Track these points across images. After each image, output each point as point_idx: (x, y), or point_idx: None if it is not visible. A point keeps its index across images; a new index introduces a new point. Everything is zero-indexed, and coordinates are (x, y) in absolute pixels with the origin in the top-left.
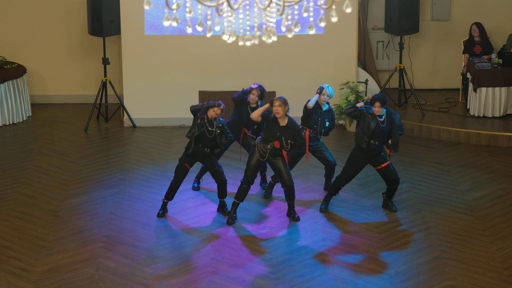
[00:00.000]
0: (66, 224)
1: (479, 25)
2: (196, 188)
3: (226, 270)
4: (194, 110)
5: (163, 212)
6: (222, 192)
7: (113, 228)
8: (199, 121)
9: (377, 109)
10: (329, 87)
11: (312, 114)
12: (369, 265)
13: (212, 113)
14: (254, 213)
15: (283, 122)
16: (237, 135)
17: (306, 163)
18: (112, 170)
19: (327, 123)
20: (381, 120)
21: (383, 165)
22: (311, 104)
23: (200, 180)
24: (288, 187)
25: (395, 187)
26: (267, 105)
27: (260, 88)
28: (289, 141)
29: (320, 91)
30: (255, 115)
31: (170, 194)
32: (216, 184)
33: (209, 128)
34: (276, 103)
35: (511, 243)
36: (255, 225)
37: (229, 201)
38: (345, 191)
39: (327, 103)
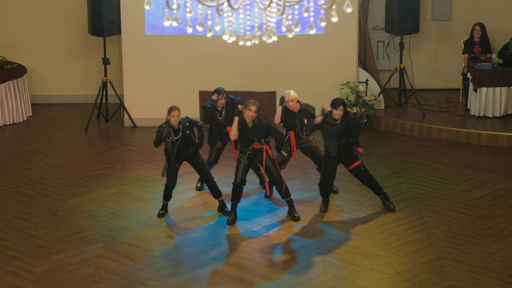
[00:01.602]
0: (67, 224)
1: (482, 26)
2: (199, 189)
3: (226, 270)
4: (157, 142)
5: (163, 212)
6: (214, 192)
7: (113, 228)
8: (170, 143)
9: (340, 112)
10: (291, 91)
11: (286, 121)
12: (370, 265)
13: (172, 119)
14: (254, 213)
15: (251, 124)
16: (226, 136)
17: (306, 164)
18: (112, 170)
19: (304, 122)
20: (337, 123)
21: (353, 166)
22: (278, 119)
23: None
24: (276, 183)
25: (370, 185)
26: (236, 120)
27: (223, 91)
28: (262, 140)
29: (282, 100)
30: (234, 135)
31: (166, 196)
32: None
33: (177, 136)
34: (253, 108)
35: (511, 243)
36: (255, 225)
37: (226, 200)
38: (346, 191)
39: (298, 101)
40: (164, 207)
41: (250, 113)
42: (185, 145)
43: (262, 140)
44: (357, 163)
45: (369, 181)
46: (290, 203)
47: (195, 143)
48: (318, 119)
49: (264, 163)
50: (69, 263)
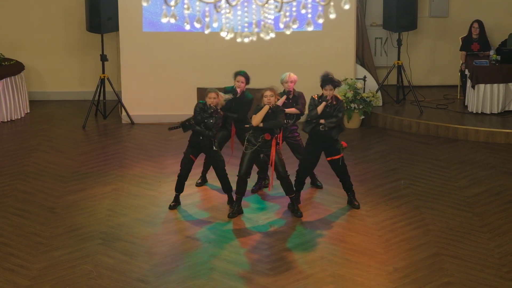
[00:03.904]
0: (64, 221)
1: (480, 23)
2: (200, 184)
3: (224, 266)
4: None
5: (175, 204)
6: (225, 186)
7: (111, 225)
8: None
9: (329, 92)
10: (291, 73)
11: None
12: (367, 262)
13: (210, 100)
14: (252, 209)
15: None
16: (229, 128)
17: None
18: (110, 167)
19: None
20: (329, 105)
21: (333, 157)
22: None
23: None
24: (282, 178)
25: (343, 180)
26: (266, 108)
27: (245, 75)
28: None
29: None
30: (258, 121)
31: (178, 187)
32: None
33: (204, 116)
34: (268, 93)
35: (509, 239)
36: (253, 222)
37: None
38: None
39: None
40: (176, 199)
41: (266, 99)
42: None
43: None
44: (337, 156)
45: (344, 176)
46: (292, 200)
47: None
48: (320, 107)
49: (272, 156)
50: (67, 260)
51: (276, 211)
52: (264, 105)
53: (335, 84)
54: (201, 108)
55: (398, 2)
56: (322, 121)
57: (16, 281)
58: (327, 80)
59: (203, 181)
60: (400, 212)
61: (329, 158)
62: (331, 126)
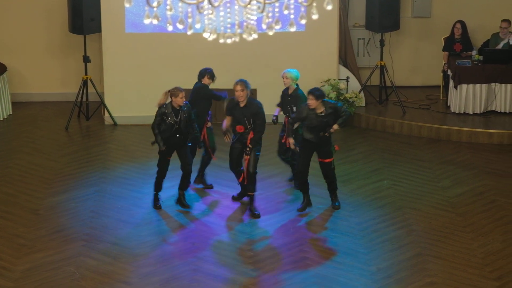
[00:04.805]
0: (47, 222)
1: (462, 24)
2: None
3: (207, 268)
4: (157, 124)
5: (159, 204)
6: (184, 183)
7: (94, 226)
8: (169, 124)
9: (310, 101)
10: (291, 70)
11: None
12: (351, 262)
13: (178, 100)
14: (235, 210)
15: (243, 103)
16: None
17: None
18: (93, 168)
19: (294, 108)
20: (322, 115)
21: (326, 160)
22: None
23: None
24: (249, 173)
25: (330, 182)
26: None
27: (209, 71)
28: (251, 121)
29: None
30: (227, 125)
31: (157, 186)
32: (181, 175)
33: (176, 119)
34: (238, 87)
35: (492, 239)
36: (237, 223)
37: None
38: (327, 189)
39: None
40: (156, 198)
41: (237, 93)
42: (183, 129)
43: (250, 121)
44: (329, 160)
45: (331, 179)
46: (252, 199)
47: (190, 134)
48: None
49: (248, 149)
50: (50, 261)
51: (260, 212)
52: (233, 98)
53: (318, 95)
54: (164, 112)
55: (381, 3)
56: (335, 126)
57: None
58: (309, 91)
59: (203, 180)
60: (383, 212)
61: (321, 160)
62: (343, 126)
